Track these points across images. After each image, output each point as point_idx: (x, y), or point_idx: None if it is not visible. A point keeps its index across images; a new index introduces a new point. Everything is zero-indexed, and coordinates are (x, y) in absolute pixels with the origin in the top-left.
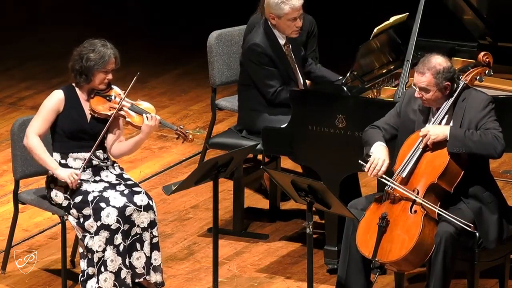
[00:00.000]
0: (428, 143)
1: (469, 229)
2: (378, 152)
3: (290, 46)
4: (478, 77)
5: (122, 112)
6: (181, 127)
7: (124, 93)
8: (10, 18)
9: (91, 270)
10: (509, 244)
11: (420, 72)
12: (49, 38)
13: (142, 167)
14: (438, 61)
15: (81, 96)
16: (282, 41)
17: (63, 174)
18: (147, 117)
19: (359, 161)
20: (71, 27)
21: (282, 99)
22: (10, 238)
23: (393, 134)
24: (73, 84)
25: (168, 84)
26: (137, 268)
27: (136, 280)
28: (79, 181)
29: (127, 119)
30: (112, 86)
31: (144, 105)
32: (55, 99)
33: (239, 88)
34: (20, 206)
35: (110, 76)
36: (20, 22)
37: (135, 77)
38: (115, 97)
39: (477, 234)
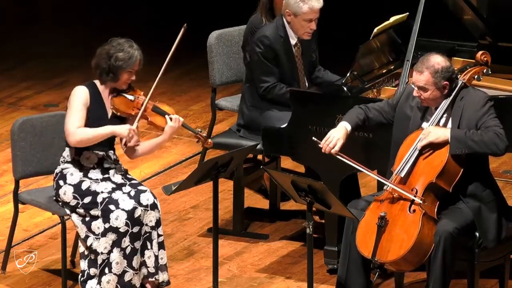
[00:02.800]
0: (427, 142)
1: (416, 199)
2: (336, 131)
3: (301, 48)
4: (476, 76)
5: (146, 113)
6: (201, 131)
7: (148, 94)
8: (10, 18)
9: (92, 271)
10: (509, 243)
11: (418, 71)
12: (49, 38)
13: (142, 167)
14: (437, 60)
15: (103, 94)
16: (293, 41)
17: (121, 130)
18: (170, 118)
19: (313, 138)
20: (71, 27)
21: (274, 95)
22: (10, 238)
23: (379, 121)
24: (95, 82)
25: (168, 84)
26: (149, 267)
27: (150, 279)
28: (87, 179)
29: (150, 119)
30: (134, 87)
31: (165, 107)
32: (84, 95)
33: (244, 84)
34: (20, 206)
35: (133, 77)
36: (20, 22)
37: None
38: (138, 97)
39: (477, 233)
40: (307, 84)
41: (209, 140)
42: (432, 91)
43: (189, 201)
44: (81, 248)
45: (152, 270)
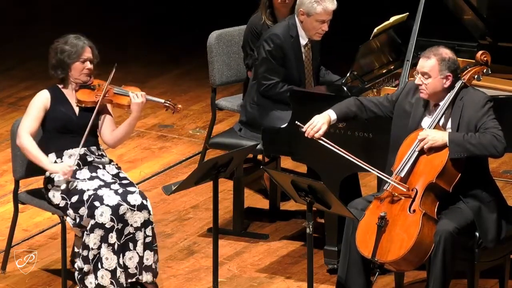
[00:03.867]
0: (425, 147)
1: (400, 187)
2: (320, 117)
3: (311, 50)
4: (476, 76)
5: (108, 97)
6: (170, 100)
7: (107, 80)
8: (10, 18)
9: (86, 267)
10: (508, 244)
11: (425, 57)
12: (49, 38)
13: (142, 167)
14: (446, 51)
15: (67, 93)
16: (303, 42)
17: (56, 168)
18: (134, 95)
19: (296, 122)
20: (71, 27)
21: (274, 93)
22: (10, 238)
23: (376, 113)
24: (57, 85)
25: (168, 84)
26: (129, 268)
27: (129, 280)
28: (75, 180)
29: (114, 102)
30: (94, 79)
31: (129, 88)
32: (42, 97)
33: (251, 81)
34: (20, 206)
35: (88, 65)
36: (20, 21)
37: (114, 69)
38: (99, 85)
39: (477, 233)
40: (313, 86)
41: (179, 106)
42: (435, 80)
43: (189, 201)
44: (76, 248)
45: (133, 270)
